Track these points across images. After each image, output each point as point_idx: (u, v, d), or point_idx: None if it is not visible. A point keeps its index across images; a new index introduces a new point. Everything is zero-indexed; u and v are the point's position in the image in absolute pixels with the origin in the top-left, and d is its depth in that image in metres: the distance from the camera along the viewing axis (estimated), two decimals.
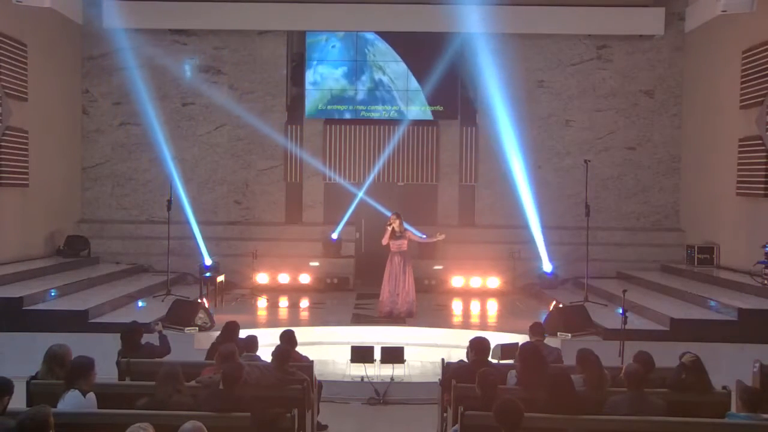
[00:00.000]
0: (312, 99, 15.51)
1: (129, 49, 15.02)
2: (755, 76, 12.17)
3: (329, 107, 15.58)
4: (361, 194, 15.09)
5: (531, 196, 14.34)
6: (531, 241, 14.55)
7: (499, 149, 15.27)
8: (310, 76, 15.47)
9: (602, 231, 15.00)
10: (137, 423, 4.33)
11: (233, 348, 6.46)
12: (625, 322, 8.35)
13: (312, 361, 7.37)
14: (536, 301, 13.29)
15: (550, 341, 8.38)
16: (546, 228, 14.37)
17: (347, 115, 15.56)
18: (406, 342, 9.98)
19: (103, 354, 6.73)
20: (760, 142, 12.02)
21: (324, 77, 15.49)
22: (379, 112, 15.58)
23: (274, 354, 6.54)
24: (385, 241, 11.53)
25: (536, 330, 7.69)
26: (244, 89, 15.64)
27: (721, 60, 13.63)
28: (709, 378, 6.19)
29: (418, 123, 15.49)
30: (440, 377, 7.27)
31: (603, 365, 6.22)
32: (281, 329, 7.75)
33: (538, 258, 14.21)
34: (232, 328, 7.63)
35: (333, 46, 15.47)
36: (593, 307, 11.02)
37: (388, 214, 12.05)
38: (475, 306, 12.96)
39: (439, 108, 15.43)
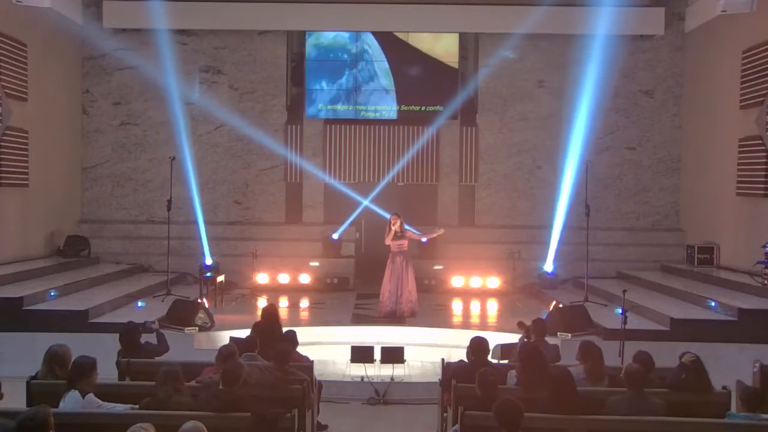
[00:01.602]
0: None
1: (129, 49, 15.05)
2: (755, 76, 12.16)
3: (329, 107, 15.60)
4: (366, 202, 15.03)
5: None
6: (531, 241, 14.54)
7: (500, 149, 15.31)
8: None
9: (602, 231, 14.96)
10: (138, 423, 4.34)
11: (233, 348, 6.47)
12: (625, 322, 8.36)
13: (312, 361, 7.37)
14: (536, 301, 13.28)
15: (550, 341, 8.36)
16: (546, 228, 14.40)
17: (348, 115, 15.58)
18: (406, 342, 9.98)
19: (103, 354, 6.72)
20: (760, 142, 12.02)
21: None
22: (379, 112, 15.59)
23: (274, 354, 6.54)
24: (387, 241, 11.62)
25: (539, 330, 7.66)
26: (244, 89, 15.63)
27: (721, 60, 13.63)
28: (709, 378, 6.19)
29: (417, 123, 15.47)
30: (440, 377, 7.27)
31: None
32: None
33: (538, 258, 14.22)
34: (271, 311, 7.85)
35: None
36: (593, 307, 11.02)
37: (387, 216, 12.06)
38: (475, 306, 12.97)
39: (439, 108, 15.42)
